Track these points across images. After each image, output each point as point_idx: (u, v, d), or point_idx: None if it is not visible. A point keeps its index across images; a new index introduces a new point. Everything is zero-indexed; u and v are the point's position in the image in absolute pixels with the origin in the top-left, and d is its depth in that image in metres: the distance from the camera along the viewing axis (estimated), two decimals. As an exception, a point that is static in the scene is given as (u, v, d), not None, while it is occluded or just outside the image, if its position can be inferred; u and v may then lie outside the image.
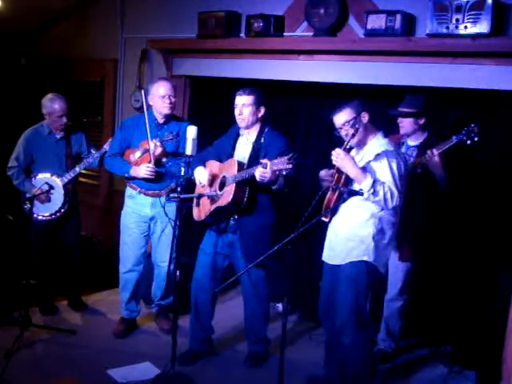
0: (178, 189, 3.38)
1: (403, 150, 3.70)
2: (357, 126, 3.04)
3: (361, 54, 3.90)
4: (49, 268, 4.40)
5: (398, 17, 3.64)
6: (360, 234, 3.09)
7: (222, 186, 3.49)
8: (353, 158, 3.03)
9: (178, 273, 3.39)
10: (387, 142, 3.15)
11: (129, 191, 4.05)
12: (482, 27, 3.32)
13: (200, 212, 3.67)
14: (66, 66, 5.68)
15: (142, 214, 4.00)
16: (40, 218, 4.17)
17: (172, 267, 3.61)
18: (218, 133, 3.80)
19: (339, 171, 3.06)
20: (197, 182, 3.63)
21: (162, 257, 4.05)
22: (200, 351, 3.80)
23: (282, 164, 3.03)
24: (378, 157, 3.04)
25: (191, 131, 3.42)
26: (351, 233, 3.11)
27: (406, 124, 3.65)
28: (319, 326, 4.40)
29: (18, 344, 3.67)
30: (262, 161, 3.18)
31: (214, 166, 3.63)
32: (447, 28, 3.44)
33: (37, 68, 5.94)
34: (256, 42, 4.28)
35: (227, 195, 3.40)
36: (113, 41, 5.32)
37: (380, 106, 3.74)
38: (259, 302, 3.72)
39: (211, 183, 3.59)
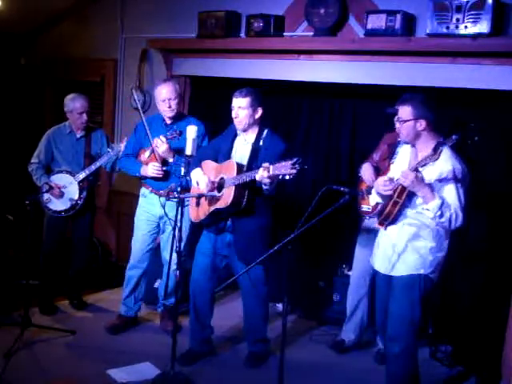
0: (178, 189, 3.38)
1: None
2: (409, 130, 3.00)
3: (361, 54, 3.90)
4: (54, 267, 4.43)
5: (398, 17, 3.64)
6: (418, 247, 3.03)
7: (220, 187, 3.47)
8: (423, 179, 2.89)
9: (177, 273, 3.39)
10: (450, 154, 2.96)
11: (142, 190, 4.14)
12: (482, 27, 3.33)
13: (198, 213, 3.66)
14: (66, 66, 5.67)
15: (152, 212, 4.07)
16: (55, 213, 4.25)
17: (171, 267, 3.64)
18: (218, 133, 3.80)
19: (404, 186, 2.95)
20: (193, 183, 3.60)
21: (172, 258, 4.05)
22: (200, 352, 3.79)
23: (286, 168, 2.97)
24: (445, 179, 2.91)
25: (191, 131, 3.42)
26: (410, 246, 3.04)
27: None
28: (319, 326, 4.42)
29: (18, 344, 3.67)
30: (263, 165, 3.10)
31: (210, 166, 3.60)
32: (447, 28, 3.44)
33: (37, 68, 5.93)
34: (256, 41, 4.28)
35: (227, 197, 3.38)
36: (113, 41, 5.31)
37: (382, 106, 3.72)
38: (259, 302, 3.71)
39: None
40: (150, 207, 4.08)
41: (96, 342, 3.94)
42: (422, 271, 3.04)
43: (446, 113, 3.81)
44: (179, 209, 3.32)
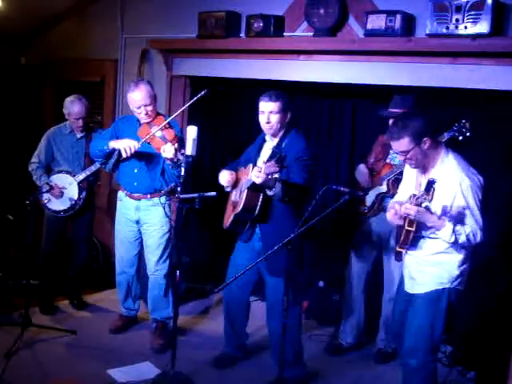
0: (178, 189, 3.36)
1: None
2: (416, 156, 2.80)
3: (361, 54, 3.90)
4: (54, 267, 4.43)
5: (398, 17, 3.65)
6: (443, 261, 2.90)
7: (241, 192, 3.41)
8: (428, 208, 2.74)
9: (177, 273, 3.37)
10: (456, 164, 2.82)
11: (119, 194, 4.03)
12: (482, 27, 3.33)
13: (228, 219, 3.53)
14: (66, 66, 5.67)
15: (128, 217, 3.96)
16: (54, 213, 4.26)
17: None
18: (217, 133, 3.79)
19: None
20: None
21: (150, 266, 3.99)
22: (235, 355, 3.77)
23: (273, 166, 2.92)
24: (454, 198, 2.76)
25: (191, 131, 3.39)
26: (434, 260, 2.91)
27: None
28: (319, 326, 4.42)
29: (18, 344, 3.67)
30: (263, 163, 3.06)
31: (240, 173, 3.55)
32: (447, 28, 3.44)
33: (37, 68, 5.93)
34: (256, 42, 4.28)
35: (240, 202, 3.31)
36: (113, 41, 5.31)
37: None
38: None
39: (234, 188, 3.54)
40: (126, 211, 3.96)
41: (96, 342, 3.94)
42: (447, 285, 2.92)
43: (446, 113, 3.83)
44: (180, 209, 3.31)
